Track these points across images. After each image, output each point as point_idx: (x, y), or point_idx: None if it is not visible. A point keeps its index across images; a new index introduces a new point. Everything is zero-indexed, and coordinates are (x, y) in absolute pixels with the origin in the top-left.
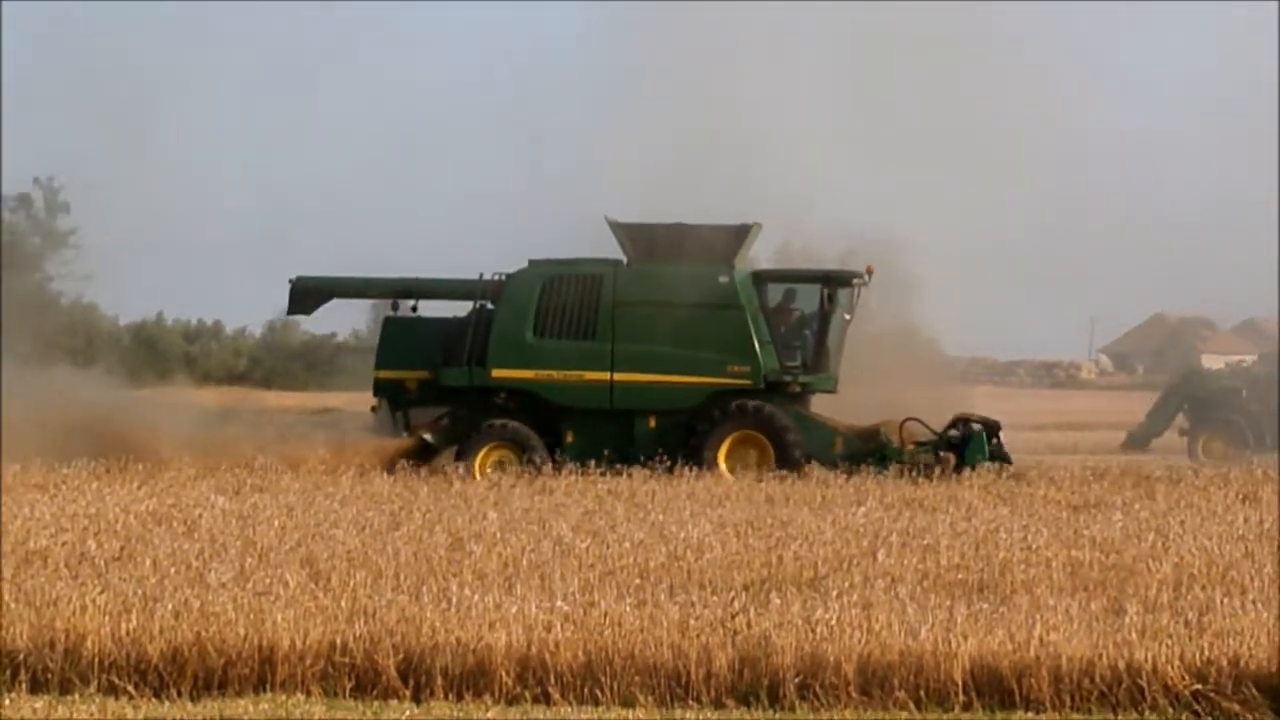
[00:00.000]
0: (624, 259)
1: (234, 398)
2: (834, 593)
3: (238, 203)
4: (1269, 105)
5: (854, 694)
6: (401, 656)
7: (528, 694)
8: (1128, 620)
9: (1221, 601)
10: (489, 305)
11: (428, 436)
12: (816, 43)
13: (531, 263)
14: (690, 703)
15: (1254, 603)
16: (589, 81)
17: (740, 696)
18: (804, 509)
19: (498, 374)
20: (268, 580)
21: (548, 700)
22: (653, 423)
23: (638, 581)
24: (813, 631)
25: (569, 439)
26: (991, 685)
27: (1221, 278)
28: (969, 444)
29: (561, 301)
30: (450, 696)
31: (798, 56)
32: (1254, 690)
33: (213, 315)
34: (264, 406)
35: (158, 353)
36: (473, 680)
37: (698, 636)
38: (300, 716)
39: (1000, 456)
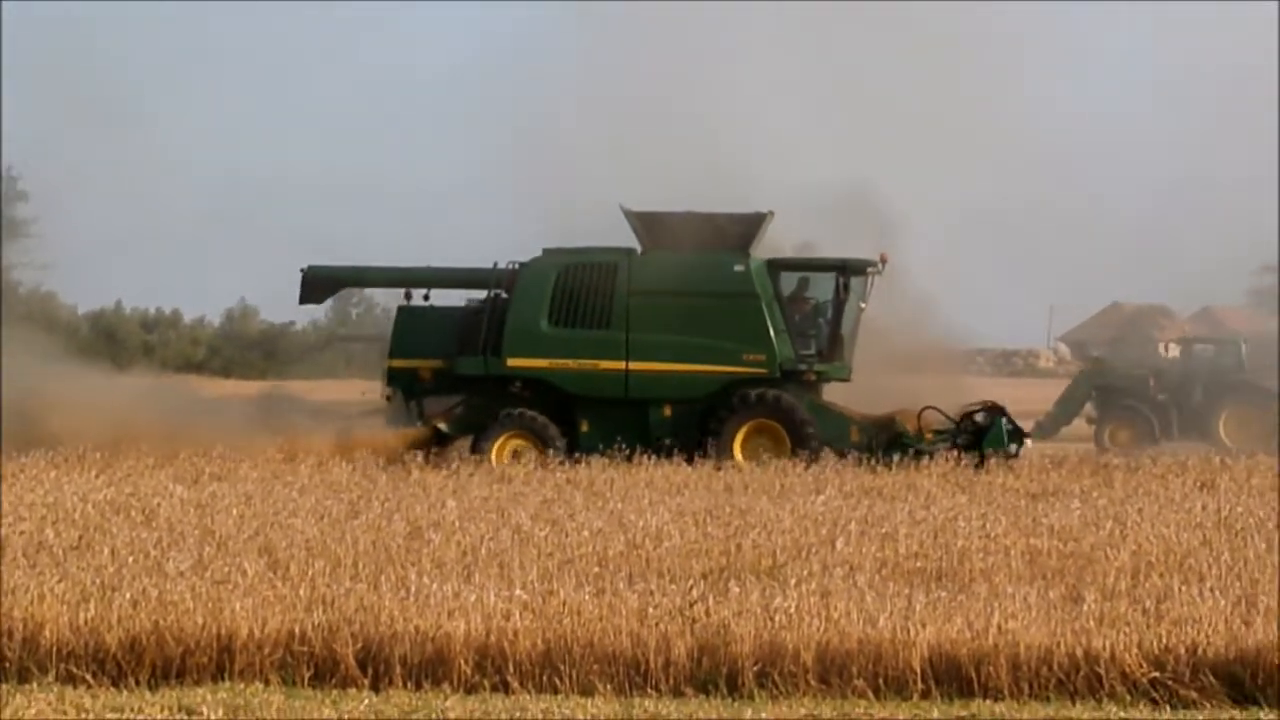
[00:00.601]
0: (638, 247)
1: (240, 389)
2: (793, 581)
3: (199, 194)
4: (1229, 92)
5: (812, 682)
6: (360, 645)
7: (486, 682)
8: (1086, 608)
9: (1179, 589)
10: (503, 294)
11: (442, 425)
12: (778, 40)
13: (546, 251)
14: (649, 691)
15: (1211, 590)
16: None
17: (699, 685)
18: (763, 497)
19: (513, 363)
20: (226, 569)
21: (506, 689)
22: (668, 412)
23: (596, 570)
24: (771, 620)
25: (584, 428)
26: (950, 673)
27: (1180, 267)
28: (988, 432)
29: (576, 290)
30: (409, 685)
31: (760, 44)
32: (1211, 678)
33: (171, 304)
34: (283, 395)
35: (116, 342)
36: (431, 669)
37: (656, 625)
38: (259, 705)
39: (1018, 443)
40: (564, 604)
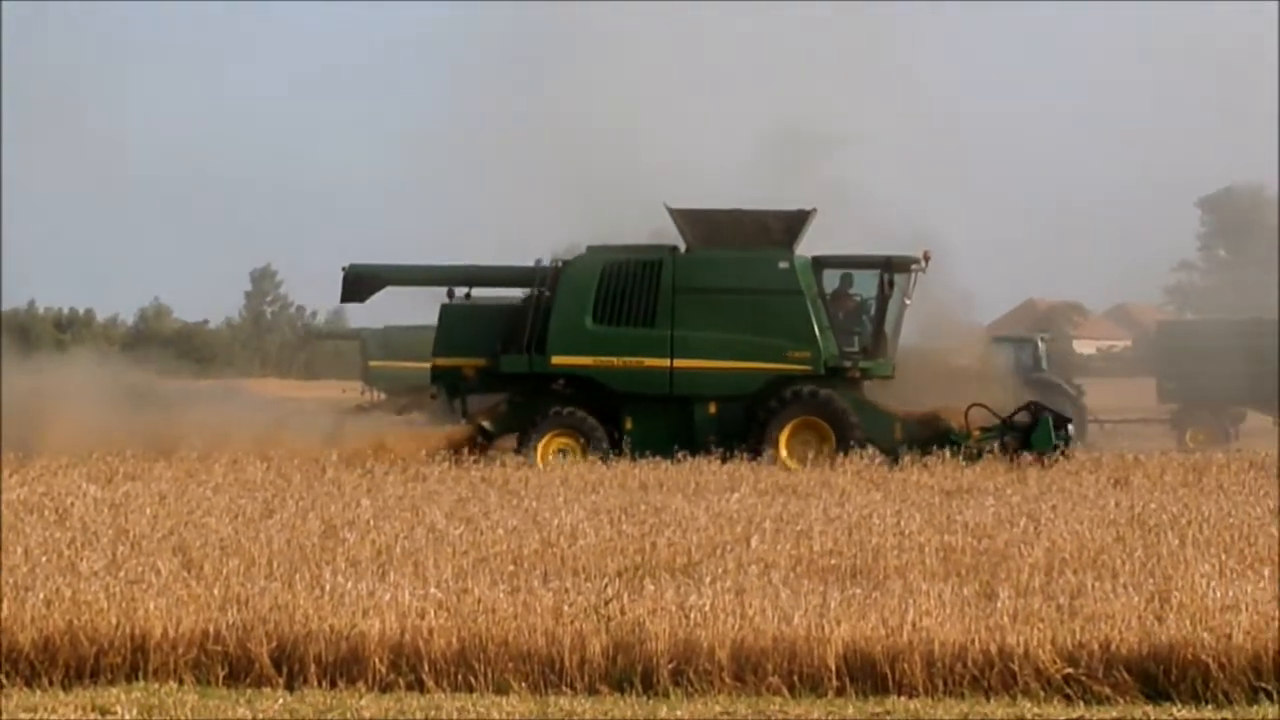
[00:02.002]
0: (682, 245)
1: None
2: (707, 579)
3: (113, 193)
4: (1153, 92)
5: (727, 680)
6: (275, 644)
7: (401, 681)
8: (1000, 605)
9: (1093, 585)
10: (546, 292)
11: (486, 424)
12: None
13: (590, 249)
14: (564, 689)
15: (1125, 586)
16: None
17: (614, 683)
18: (678, 495)
19: (557, 361)
20: (140, 568)
21: (421, 687)
22: (713, 409)
23: (511, 568)
24: (686, 618)
25: (628, 426)
26: (864, 670)
27: (1094, 263)
28: (1035, 429)
29: (621, 288)
30: (324, 684)
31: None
32: (1125, 674)
33: (85, 304)
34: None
35: (29, 340)
36: (346, 668)
37: (571, 623)
38: (173, 705)
39: (1065, 442)
40: (479, 602)
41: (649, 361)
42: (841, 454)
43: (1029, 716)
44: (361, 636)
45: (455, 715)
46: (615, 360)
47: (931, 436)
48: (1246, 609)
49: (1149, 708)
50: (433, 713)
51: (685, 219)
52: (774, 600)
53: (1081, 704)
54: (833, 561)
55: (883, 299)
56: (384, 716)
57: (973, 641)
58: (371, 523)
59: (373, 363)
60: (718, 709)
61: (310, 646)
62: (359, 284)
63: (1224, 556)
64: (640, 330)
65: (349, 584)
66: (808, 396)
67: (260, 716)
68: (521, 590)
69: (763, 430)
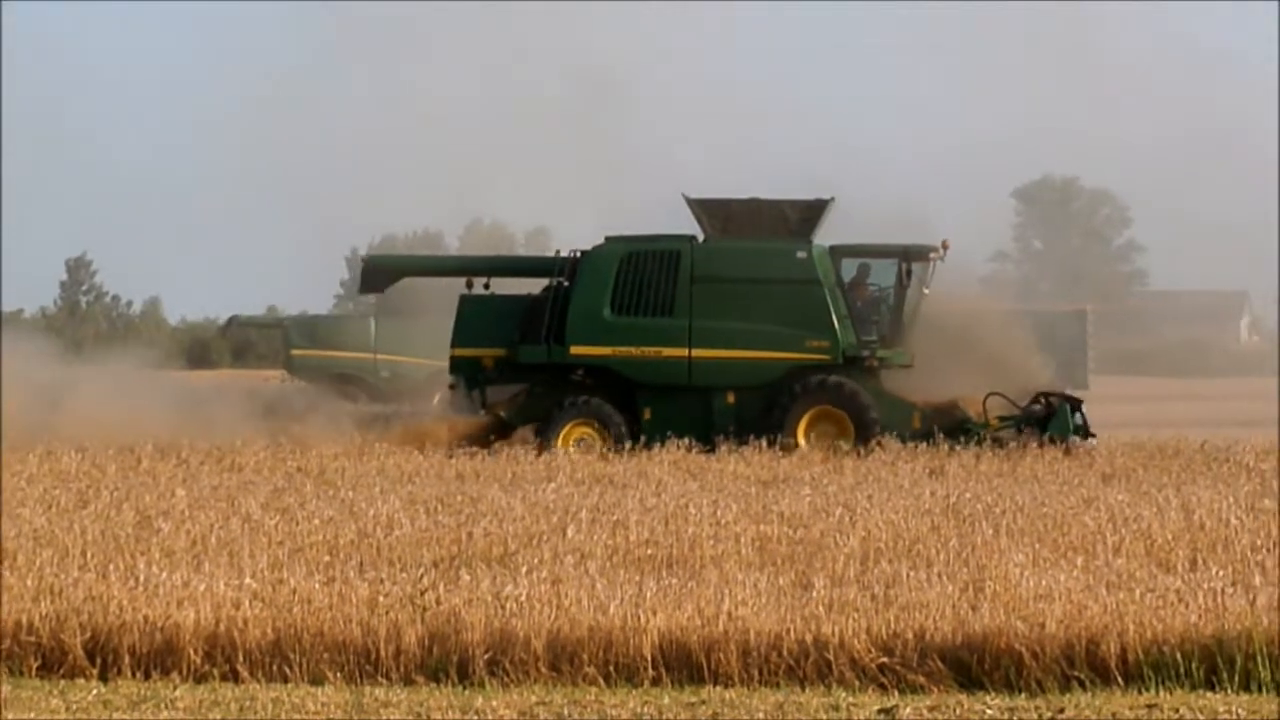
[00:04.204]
0: (700, 234)
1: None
2: (524, 569)
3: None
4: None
5: (543, 670)
6: (89, 635)
7: (216, 672)
8: (815, 594)
9: (908, 575)
10: (564, 282)
11: (504, 414)
12: None
13: (608, 239)
14: (379, 680)
15: (939, 576)
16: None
17: (430, 673)
18: (494, 485)
19: (575, 351)
20: None
21: (236, 678)
22: (731, 399)
23: (327, 559)
24: (502, 608)
25: (647, 416)
26: (680, 660)
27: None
28: (1053, 418)
29: (639, 277)
30: (138, 675)
31: None
32: (939, 662)
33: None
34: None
35: None
36: (160, 659)
37: (387, 613)
38: None
39: (1083, 431)
40: (294, 593)
41: (667, 351)
42: (861, 444)
43: (844, 705)
44: (176, 627)
45: (270, 706)
46: (633, 350)
47: (951, 425)
48: (1059, 598)
49: (963, 696)
50: (247, 703)
51: (703, 209)
52: (590, 590)
53: (896, 693)
54: (649, 551)
55: (901, 288)
56: (198, 707)
57: (788, 631)
58: (187, 513)
59: (295, 351)
60: (533, 699)
61: (124, 637)
62: (378, 274)
63: (1037, 545)
64: (658, 320)
65: (164, 574)
66: (826, 386)
67: (74, 707)
68: (337, 580)
69: (781, 420)
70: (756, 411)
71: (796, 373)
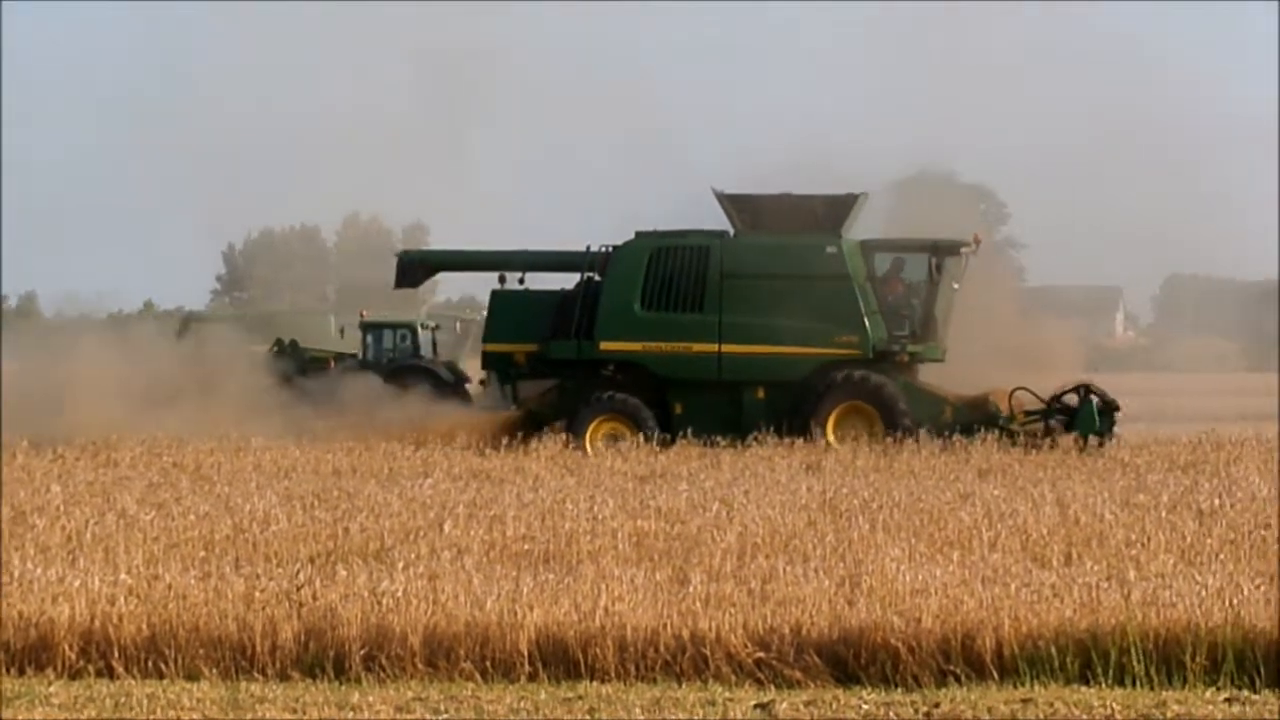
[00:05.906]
0: (730, 230)
1: None
2: (400, 564)
3: None
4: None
5: (420, 665)
6: None
7: (91, 668)
8: (692, 590)
9: (784, 570)
10: (596, 277)
11: (536, 409)
12: None
13: (638, 234)
14: (255, 675)
15: (816, 571)
16: None
17: (306, 668)
18: (371, 481)
19: (606, 346)
20: None
21: (111, 674)
22: (761, 394)
23: (203, 554)
24: (379, 603)
25: (677, 411)
26: (557, 655)
27: None
28: (1079, 413)
29: (669, 273)
30: (12, 671)
31: None
32: (815, 657)
33: None
34: None
35: None
36: (35, 654)
37: (263, 609)
38: None
39: (1108, 428)
40: (169, 588)
41: (697, 347)
42: (891, 437)
43: (720, 701)
44: (51, 623)
45: (145, 702)
46: (663, 345)
47: (984, 420)
48: (935, 593)
49: (839, 691)
50: (122, 699)
51: (733, 204)
52: (467, 586)
53: (772, 688)
54: (526, 547)
55: (932, 283)
56: (73, 703)
57: (665, 626)
58: (62, 509)
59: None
60: (409, 695)
61: None
62: (413, 269)
63: (914, 541)
64: (688, 316)
65: (38, 570)
66: (854, 381)
67: None
68: (213, 576)
69: (810, 415)
70: (787, 406)
71: (826, 368)
